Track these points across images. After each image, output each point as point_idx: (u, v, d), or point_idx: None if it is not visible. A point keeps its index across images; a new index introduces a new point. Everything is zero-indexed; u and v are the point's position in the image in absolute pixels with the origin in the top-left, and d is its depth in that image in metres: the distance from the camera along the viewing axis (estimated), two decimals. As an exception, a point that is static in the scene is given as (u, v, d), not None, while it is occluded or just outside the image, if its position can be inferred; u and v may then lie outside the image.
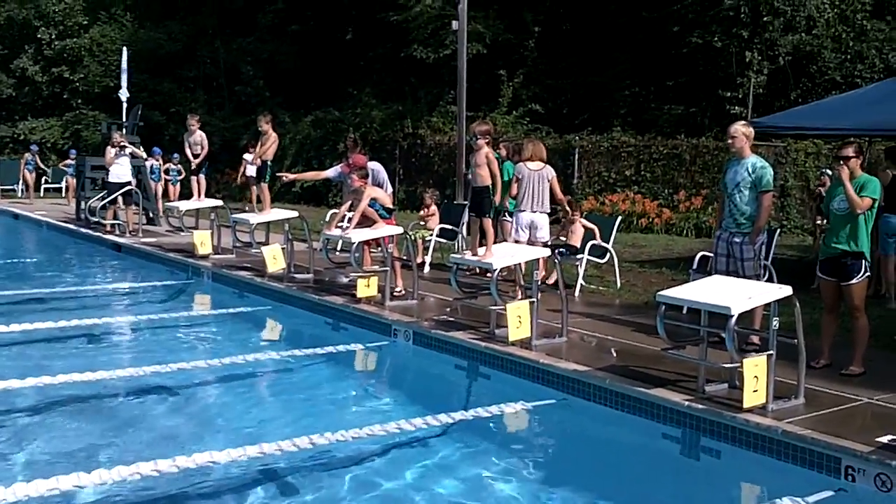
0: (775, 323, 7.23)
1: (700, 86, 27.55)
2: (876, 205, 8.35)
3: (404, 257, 12.62)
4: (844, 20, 27.06)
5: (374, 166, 13.17)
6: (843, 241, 8.32)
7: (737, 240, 9.13)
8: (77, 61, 36.70)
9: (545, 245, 11.85)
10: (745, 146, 9.23)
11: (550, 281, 12.08)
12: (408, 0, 28.68)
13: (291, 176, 16.18)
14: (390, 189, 12.91)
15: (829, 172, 17.99)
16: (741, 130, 9.26)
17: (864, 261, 8.29)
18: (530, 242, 11.86)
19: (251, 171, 22.62)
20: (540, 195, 12.08)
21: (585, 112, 29.27)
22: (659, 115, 27.84)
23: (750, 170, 9.11)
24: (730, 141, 9.32)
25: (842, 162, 8.39)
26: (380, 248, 12.16)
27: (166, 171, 26.95)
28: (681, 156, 23.71)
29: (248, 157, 23.14)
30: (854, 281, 8.29)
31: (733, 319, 7.03)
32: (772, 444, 6.71)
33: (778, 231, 12.56)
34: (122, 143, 19.34)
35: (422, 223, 15.60)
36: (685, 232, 21.53)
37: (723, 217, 9.39)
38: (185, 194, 24.46)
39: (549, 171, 12.23)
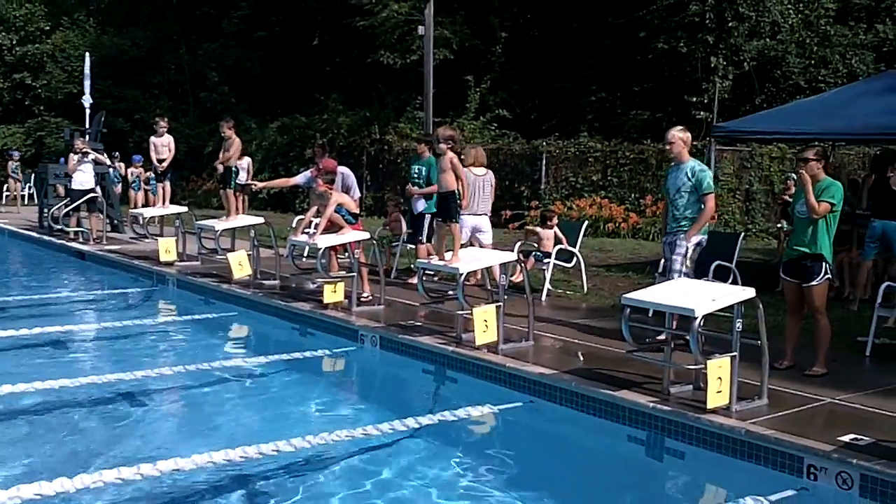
0: (739, 324, 7.27)
1: (666, 91, 27.73)
2: (837, 209, 8.41)
3: (371, 263, 12.62)
4: (808, 26, 27.37)
5: (343, 170, 13.16)
6: (804, 244, 8.41)
7: (675, 241, 9.29)
8: (39, 67, 36.42)
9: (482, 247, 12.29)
10: (683, 151, 9.35)
11: (516, 279, 12.13)
12: (374, 5, 28.68)
13: (261, 185, 16.10)
14: (358, 194, 12.90)
15: (795, 177, 18.16)
16: (678, 136, 9.33)
17: (824, 263, 8.35)
18: (471, 244, 12.40)
19: (241, 179, 22.66)
20: (483, 199, 12.64)
21: (553, 117, 29.37)
22: (625, 121, 28.00)
23: (689, 174, 9.21)
24: (667, 147, 9.42)
25: (801, 164, 8.49)
26: (347, 254, 12.14)
27: (142, 179, 26.51)
28: (647, 161, 23.80)
29: (240, 163, 23.08)
30: (814, 283, 8.38)
31: (697, 321, 7.07)
32: (735, 445, 6.75)
33: (742, 235, 12.64)
34: (84, 150, 19.19)
35: (387, 228, 15.61)
36: (652, 236, 21.59)
37: (667, 222, 9.51)
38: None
39: (491, 177, 12.92)
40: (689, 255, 9.17)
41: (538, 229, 13.57)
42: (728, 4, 25.87)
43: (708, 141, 18.89)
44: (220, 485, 6.55)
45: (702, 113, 25.59)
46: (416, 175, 13.61)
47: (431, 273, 12.38)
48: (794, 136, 15.61)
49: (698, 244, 9.28)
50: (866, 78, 22.30)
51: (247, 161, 23.00)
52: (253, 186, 15.86)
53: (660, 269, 11.23)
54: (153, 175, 25.90)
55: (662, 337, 8.10)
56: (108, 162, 21.90)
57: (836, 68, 26.90)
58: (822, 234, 8.35)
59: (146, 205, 25.10)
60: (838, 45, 27.16)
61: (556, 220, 13.59)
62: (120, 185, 25.83)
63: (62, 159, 28.04)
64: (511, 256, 10.58)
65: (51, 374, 8.94)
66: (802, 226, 8.46)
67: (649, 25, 27.23)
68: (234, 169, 15.11)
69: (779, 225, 8.69)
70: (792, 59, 27.05)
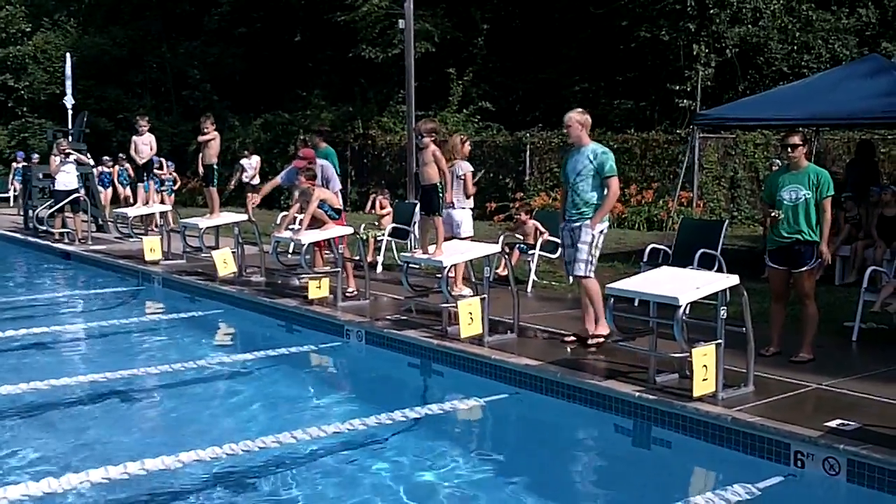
0: (723, 312, 7.26)
1: (649, 80, 27.75)
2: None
3: (356, 258, 12.57)
4: (790, 11, 27.36)
5: (322, 163, 13.04)
6: (796, 230, 8.37)
7: (577, 225, 8.97)
8: (21, 69, 36.23)
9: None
10: (582, 134, 9.02)
11: (501, 271, 12.12)
12: (354, 0, 28.61)
13: (258, 199, 15.23)
14: (339, 186, 12.74)
15: (780, 162, 18.19)
16: (575, 118, 9.01)
17: (815, 248, 8.35)
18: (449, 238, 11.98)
19: (247, 176, 22.59)
20: (458, 191, 12.12)
21: (536, 109, 29.37)
22: (609, 110, 27.97)
23: (591, 157, 8.91)
24: (565, 130, 9.14)
25: (790, 149, 8.44)
26: (330, 250, 12.11)
27: (109, 176, 26.19)
28: (631, 150, 23.83)
29: (244, 162, 23.02)
30: (806, 268, 8.37)
31: (681, 310, 7.05)
32: (722, 432, 6.75)
33: (727, 222, 12.64)
34: (66, 151, 19.11)
35: (374, 224, 15.57)
36: (637, 225, 21.62)
37: (565, 208, 9.18)
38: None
39: (460, 167, 12.11)
40: (595, 244, 8.92)
41: (524, 217, 13.57)
42: (709, -9, 25.91)
43: (691, 129, 18.95)
44: (207, 482, 6.52)
45: (685, 101, 25.62)
46: None
47: (416, 266, 12.34)
48: (779, 122, 15.62)
49: (602, 231, 9.01)
50: (849, 62, 22.33)
51: (256, 159, 23.15)
52: (255, 202, 15.23)
53: (645, 258, 11.26)
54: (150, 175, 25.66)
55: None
56: (91, 162, 21.83)
57: (818, 53, 26.91)
58: (814, 219, 8.34)
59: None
60: (821, 30, 27.16)
61: (532, 215, 13.65)
62: (127, 187, 24.82)
63: (34, 155, 27.95)
64: (495, 249, 10.58)
65: (37, 374, 8.90)
66: (791, 213, 8.41)
67: (631, 14, 27.21)
68: (215, 167, 15.01)
69: (773, 213, 8.59)
70: (774, 45, 27.05)
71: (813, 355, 8.37)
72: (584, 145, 9.02)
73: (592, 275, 9.00)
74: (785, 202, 8.47)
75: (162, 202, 22.05)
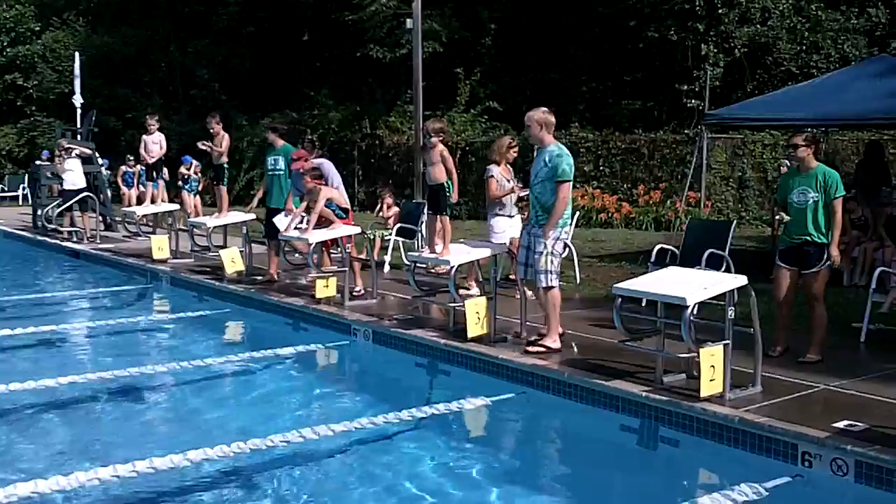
0: (731, 312, 7.25)
1: (657, 80, 27.69)
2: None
3: (363, 257, 12.58)
4: (799, 11, 27.29)
5: (318, 161, 13.01)
6: (806, 231, 8.34)
7: (536, 231, 8.78)
8: (30, 68, 36.31)
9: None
10: (543, 134, 8.72)
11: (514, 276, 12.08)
12: (362, -1, 28.64)
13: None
14: (336, 182, 12.68)
15: (788, 163, 18.16)
16: (534, 118, 8.71)
17: (825, 249, 8.31)
18: None
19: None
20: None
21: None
22: (617, 111, 27.96)
23: (547, 159, 8.64)
24: (526, 131, 8.90)
25: (793, 150, 8.46)
26: (338, 249, 12.12)
27: (132, 176, 26.06)
28: (639, 150, 23.80)
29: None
30: (816, 269, 8.33)
31: (689, 310, 7.04)
32: (729, 433, 6.74)
33: (735, 222, 12.60)
34: (66, 148, 19.15)
35: (381, 223, 15.58)
36: (645, 226, 21.58)
37: (530, 209, 9.02)
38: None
39: (487, 171, 11.77)
40: (550, 252, 8.63)
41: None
42: (718, -9, 25.86)
43: (700, 129, 18.93)
44: (216, 480, 6.55)
45: (693, 101, 25.53)
46: (271, 167, 13.17)
47: (423, 266, 12.33)
48: (787, 122, 15.59)
49: (558, 238, 8.71)
50: (859, 63, 22.28)
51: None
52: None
53: (653, 258, 11.23)
54: (129, 169, 25.41)
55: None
56: (101, 161, 21.89)
57: (827, 53, 26.83)
58: (824, 220, 8.31)
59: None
60: (830, 30, 27.08)
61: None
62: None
63: (45, 152, 27.91)
64: (502, 248, 10.59)
65: (47, 372, 8.95)
66: (801, 215, 8.39)
67: (639, 14, 27.15)
68: (225, 166, 15.01)
69: (777, 217, 8.58)
70: (783, 44, 26.99)
71: (821, 356, 8.34)
72: (545, 146, 8.77)
73: (556, 283, 8.83)
74: (794, 205, 8.46)
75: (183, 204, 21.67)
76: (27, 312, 12.72)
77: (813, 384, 7.63)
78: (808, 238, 8.33)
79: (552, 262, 8.68)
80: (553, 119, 8.83)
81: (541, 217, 8.73)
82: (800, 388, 7.51)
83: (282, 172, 12.97)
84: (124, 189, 24.90)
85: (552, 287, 8.78)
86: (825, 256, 8.32)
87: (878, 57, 18.50)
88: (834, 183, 8.30)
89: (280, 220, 12.67)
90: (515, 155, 11.94)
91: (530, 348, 8.76)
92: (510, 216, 11.60)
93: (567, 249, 12.99)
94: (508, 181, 11.66)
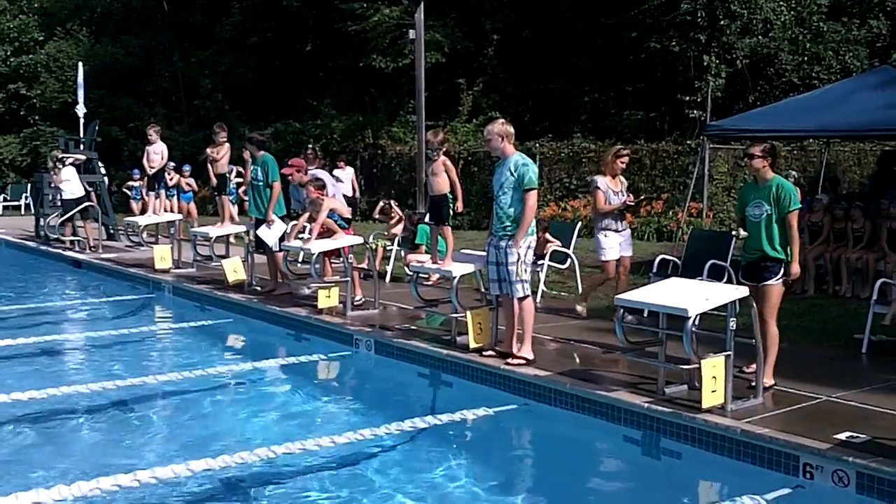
0: (732, 323, 7.26)
1: (659, 91, 27.72)
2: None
3: (364, 266, 12.59)
4: (801, 22, 27.32)
5: (315, 172, 13.00)
6: (761, 247, 7.92)
7: (502, 244, 8.77)
8: (34, 77, 36.34)
9: None
10: (505, 145, 8.76)
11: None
12: (365, 10, 28.67)
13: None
14: (332, 191, 12.66)
15: (795, 174, 18.18)
16: (494, 130, 8.76)
17: (782, 265, 7.89)
18: None
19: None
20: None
21: (546, 119, 29.33)
22: (619, 121, 27.96)
23: (512, 168, 8.66)
24: (485, 144, 8.97)
25: (748, 159, 8.05)
26: (341, 259, 12.13)
27: (129, 188, 26.20)
28: (641, 160, 23.78)
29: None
30: (770, 282, 7.88)
31: (690, 321, 7.05)
32: (731, 444, 6.75)
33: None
34: (59, 157, 19.16)
35: (385, 233, 15.60)
36: (647, 236, 21.56)
37: (493, 222, 8.96)
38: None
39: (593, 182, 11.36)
40: (524, 261, 8.68)
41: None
42: (720, 2, 25.84)
43: (701, 140, 18.92)
44: (217, 490, 6.55)
45: (695, 112, 25.55)
46: (257, 178, 12.97)
47: (425, 277, 12.34)
48: (789, 133, 15.61)
49: (529, 247, 8.79)
50: (860, 74, 22.28)
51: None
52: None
53: (654, 269, 11.24)
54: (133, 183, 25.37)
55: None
56: (104, 171, 21.89)
57: (829, 65, 26.85)
58: (781, 235, 7.89)
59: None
60: (831, 41, 27.10)
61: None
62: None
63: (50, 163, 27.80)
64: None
65: (47, 382, 8.97)
66: (756, 229, 7.97)
67: (641, 25, 27.20)
68: (227, 176, 15.05)
69: (733, 233, 8.42)
70: (785, 56, 27.01)
71: (774, 381, 7.89)
72: (507, 157, 8.80)
73: (529, 293, 8.87)
74: (750, 218, 8.03)
75: (179, 211, 21.65)
76: (28, 322, 12.71)
77: (815, 395, 7.63)
78: (764, 253, 7.91)
79: (525, 270, 8.74)
80: (512, 129, 8.92)
81: (508, 228, 8.74)
82: (801, 400, 7.52)
83: (260, 183, 12.83)
84: (133, 204, 24.98)
85: (527, 296, 8.83)
86: (781, 271, 7.87)
87: (879, 68, 18.50)
88: (787, 196, 7.82)
89: (263, 232, 12.67)
90: (624, 166, 11.14)
91: (510, 360, 8.76)
92: (618, 231, 11.00)
93: (569, 260, 13.08)
94: (616, 193, 10.94)
